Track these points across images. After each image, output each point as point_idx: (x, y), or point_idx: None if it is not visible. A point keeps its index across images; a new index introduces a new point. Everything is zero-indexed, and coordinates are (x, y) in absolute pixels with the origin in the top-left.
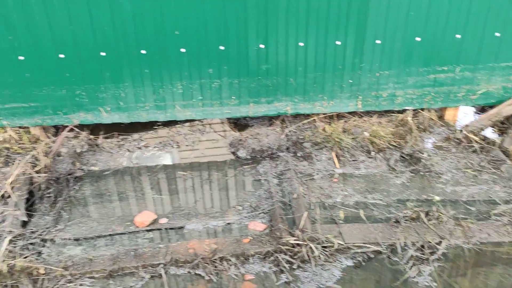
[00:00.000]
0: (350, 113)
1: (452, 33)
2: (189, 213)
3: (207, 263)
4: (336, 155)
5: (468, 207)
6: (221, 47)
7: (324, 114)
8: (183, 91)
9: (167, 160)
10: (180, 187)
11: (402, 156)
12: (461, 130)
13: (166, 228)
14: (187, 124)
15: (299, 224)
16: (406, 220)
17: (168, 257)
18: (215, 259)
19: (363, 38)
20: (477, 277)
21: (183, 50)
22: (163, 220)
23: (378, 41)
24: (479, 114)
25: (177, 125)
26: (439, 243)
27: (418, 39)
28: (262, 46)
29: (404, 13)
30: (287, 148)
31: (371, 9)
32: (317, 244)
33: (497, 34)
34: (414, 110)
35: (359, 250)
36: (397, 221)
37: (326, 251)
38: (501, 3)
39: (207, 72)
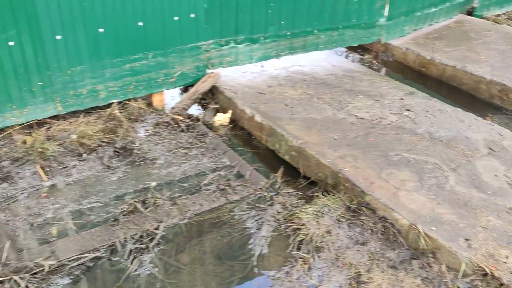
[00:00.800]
0: (53, 117)
1: (134, 21)
2: None
3: None
4: (42, 167)
5: (182, 184)
6: None
7: (20, 124)
8: None
9: None
10: None
11: (116, 151)
12: (167, 113)
13: None
14: None
15: (1, 258)
16: (124, 215)
17: None
18: None
19: (40, 36)
20: (195, 248)
21: None
22: None
23: (58, 37)
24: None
25: None
26: (158, 228)
27: (101, 30)
28: None
29: (77, 5)
30: None
31: (39, 4)
32: (24, 273)
33: (176, 18)
34: (121, 102)
35: (75, 264)
36: (115, 219)
37: (37, 277)
38: None
39: None
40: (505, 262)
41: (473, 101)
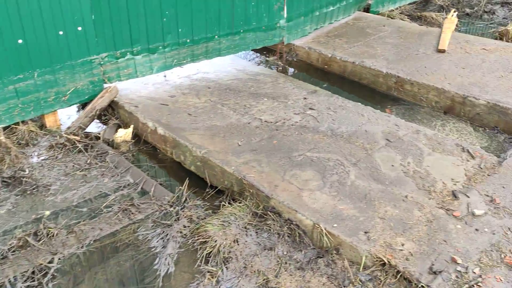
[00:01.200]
0: None
1: (12, 39)
2: None
3: None
4: None
5: (80, 209)
6: None
7: None
8: None
9: None
10: None
11: (3, 181)
12: (62, 134)
13: None
14: None
15: None
16: (13, 252)
17: None
18: None
19: None
20: (95, 277)
21: None
22: None
23: None
24: None
25: None
26: (52, 261)
27: None
28: None
29: None
30: None
31: None
32: None
33: (61, 33)
34: (8, 126)
35: None
36: (4, 257)
37: None
38: (52, 5)
39: None
40: (401, 250)
41: (374, 94)
